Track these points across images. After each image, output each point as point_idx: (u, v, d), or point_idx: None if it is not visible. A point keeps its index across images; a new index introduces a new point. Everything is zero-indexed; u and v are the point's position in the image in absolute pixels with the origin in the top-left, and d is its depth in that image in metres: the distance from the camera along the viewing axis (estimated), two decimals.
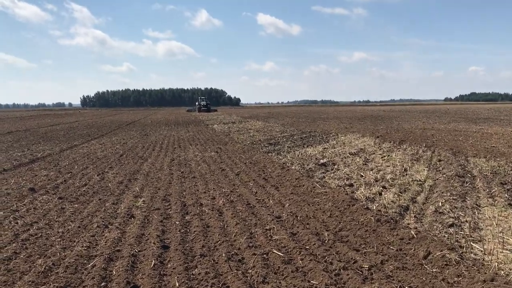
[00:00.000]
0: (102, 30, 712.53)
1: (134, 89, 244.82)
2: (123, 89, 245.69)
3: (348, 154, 14.49)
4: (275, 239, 5.74)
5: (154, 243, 5.62)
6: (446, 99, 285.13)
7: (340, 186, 9.29)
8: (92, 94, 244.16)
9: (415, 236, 5.59)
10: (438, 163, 12.45)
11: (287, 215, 6.92)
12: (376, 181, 9.79)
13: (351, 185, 9.39)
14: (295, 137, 22.06)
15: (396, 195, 8.25)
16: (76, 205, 8.04)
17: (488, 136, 20.03)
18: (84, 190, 9.36)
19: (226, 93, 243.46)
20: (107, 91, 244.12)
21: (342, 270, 4.62)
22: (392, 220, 6.34)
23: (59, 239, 6.02)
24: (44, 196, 8.77)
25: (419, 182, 9.78)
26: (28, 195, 8.90)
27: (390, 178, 9.97)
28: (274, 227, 6.21)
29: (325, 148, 16.68)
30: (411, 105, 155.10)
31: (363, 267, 4.74)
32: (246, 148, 17.48)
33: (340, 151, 15.54)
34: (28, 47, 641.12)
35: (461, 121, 33.40)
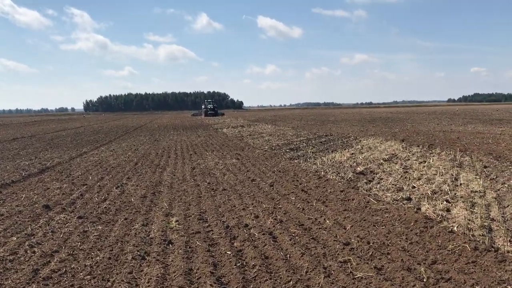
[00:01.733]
0: (103, 34, 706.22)
1: (137, 93, 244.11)
2: (126, 94, 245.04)
3: (381, 161, 13.40)
4: (359, 278, 4.58)
5: (210, 284, 4.45)
6: (449, 100, 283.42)
7: (397, 200, 8.17)
8: (94, 99, 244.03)
9: None
10: (484, 170, 11.36)
11: (357, 241, 5.77)
12: (435, 193, 8.66)
13: (408, 198, 8.27)
14: (313, 141, 21.00)
15: (468, 212, 7.13)
16: (99, 227, 6.91)
17: None
18: (105, 207, 8.23)
19: (229, 96, 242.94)
20: (110, 95, 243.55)
21: None
22: (492, 249, 5.20)
23: (88, 277, 4.87)
24: (61, 215, 7.63)
25: (479, 194, 8.68)
26: (43, 214, 7.77)
27: (448, 190, 8.85)
28: (350, 259, 5.06)
29: (352, 153, 15.60)
30: (415, 106, 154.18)
31: None
32: (267, 154, 16.38)
33: (370, 157, 14.45)
34: (29, 52, 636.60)
35: (477, 123, 32.26)
